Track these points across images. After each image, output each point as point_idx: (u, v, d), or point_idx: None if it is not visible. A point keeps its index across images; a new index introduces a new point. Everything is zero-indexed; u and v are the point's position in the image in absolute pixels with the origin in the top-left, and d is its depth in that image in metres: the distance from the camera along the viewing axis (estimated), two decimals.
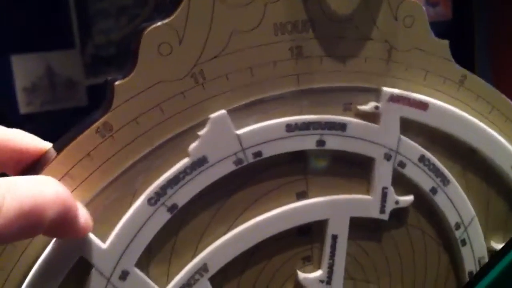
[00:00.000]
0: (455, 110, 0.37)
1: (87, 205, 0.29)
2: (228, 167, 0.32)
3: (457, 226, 0.38)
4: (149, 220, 0.31)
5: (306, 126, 0.34)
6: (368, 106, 0.35)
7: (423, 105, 0.36)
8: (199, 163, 0.31)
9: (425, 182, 0.37)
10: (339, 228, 0.35)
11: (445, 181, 0.37)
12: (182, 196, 0.31)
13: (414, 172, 0.37)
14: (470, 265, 0.39)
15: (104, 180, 0.30)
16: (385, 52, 0.35)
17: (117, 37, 1.79)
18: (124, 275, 0.30)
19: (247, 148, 0.32)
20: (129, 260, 0.30)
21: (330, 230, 0.35)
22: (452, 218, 0.38)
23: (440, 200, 0.37)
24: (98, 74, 1.75)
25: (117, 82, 0.30)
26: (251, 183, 0.34)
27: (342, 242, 0.35)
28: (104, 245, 0.30)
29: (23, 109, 1.60)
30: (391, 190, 0.36)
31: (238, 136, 0.32)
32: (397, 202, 0.36)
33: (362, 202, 0.36)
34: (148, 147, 0.31)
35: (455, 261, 0.39)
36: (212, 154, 0.31)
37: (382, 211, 0.36)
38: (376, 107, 0.35)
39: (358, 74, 0.35)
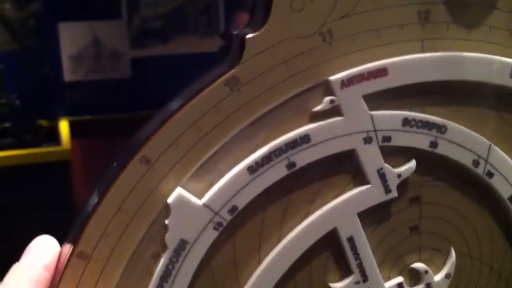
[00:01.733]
0: (418, 56, 0.33)
1: (210, 157, 0.30)
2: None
3: (476, 163, 0.35)
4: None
5: (268, 159, 0.31)
6: (323, 105, 0.32)
7: (382, 72, 0.32)
8: None
9: (421, 141, 0.34)
10: (350, 229, 0.33)
11: (442, 129, 0.34)
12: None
13: (404, 139, 0.33)
14: (507, 191, 0.36)
15: (226, 134, 0.30)
16: (510, 23, 0.33)
17: (164, 11, 1.77)
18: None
19: None
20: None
21: (344, 235, 0.33)
22: (466, 159, 0.35)
23: (444, 149, 0.34)
24: (143, 46, 1.75)
25: (248, 36, 0.30)
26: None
27: (360, 239, 0.34)
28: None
29: (67, 76, 1.64)
30: (387, 168, 0.33)
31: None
32: (399, 175, 0.34)
33: (363, 193, 0.33)
34: (272, 102, 0.31)
35: (490, 196, 0.36)
36: None
37: (387, 191, 0.34)
38: (331, 101, 0.32)
39: (481, 44, 0.33)
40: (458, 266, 0.36)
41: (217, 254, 0.32)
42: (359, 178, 0.33)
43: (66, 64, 1.68)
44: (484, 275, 0.38)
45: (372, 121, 0.32)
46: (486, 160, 0.35)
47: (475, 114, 0.35)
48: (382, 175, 0.33)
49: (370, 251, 0.34)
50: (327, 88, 0.32)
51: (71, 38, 1.67)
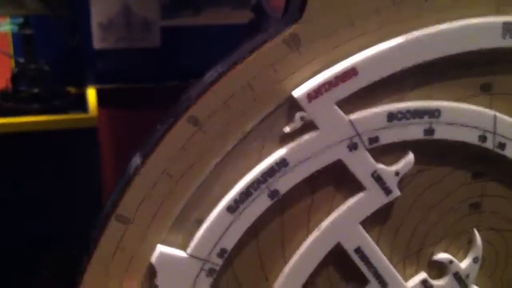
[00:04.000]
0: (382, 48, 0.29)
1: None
2: None
3: (483, 139, 0.31)
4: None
5: (247, 194, 0.29)
6: (295, 123, 0.29)
7: (350, 73, 0.29)
8: None
9: (413, 132, 0.30)
10: (355, 240, 0.31)
11: (435, 113, 0.30)
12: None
13: (393, 135, 0.30)
14: None
15: (281, 95, 0.29)
16: None
17: None
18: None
19: None
20: None
21: (350, 248, 0.31)
22: (471, 137, 0.31)
23: (442, 133, 0.31)
24: (173, 16, 1.72)
25: None
26: None
27: (368, 247, 0.31)
28: None
29: (97, 44, 1.64)
30: (382, 169, 0.30)
31: None
32: (397, 173, 0.31)
33: (362, 201, 0.31)
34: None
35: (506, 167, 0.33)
36: None
37: (388, 192, 0.31)
38: (302, 118, 0.29)
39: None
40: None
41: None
42: (354, 186, 0.31)
43: (96, 31, 1.67)
44: None
45: (353, 126, 0.29)
46: (494, 133, 0.31)
47: (464, 85, 0.31)
48: (377, 178, 0.30)
49: (382, 256, 0.32)
50: (294, 105, 0.29)
51: (102, 5, 1.66)
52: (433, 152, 0.32)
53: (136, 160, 0.28)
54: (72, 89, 1.60)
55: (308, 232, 0.31)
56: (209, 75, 0.28)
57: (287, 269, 0.31)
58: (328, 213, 0.31)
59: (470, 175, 0.32)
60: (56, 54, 1.63)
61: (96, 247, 0.28)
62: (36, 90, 1.50)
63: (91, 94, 1.55)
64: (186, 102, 0.28)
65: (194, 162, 0.28)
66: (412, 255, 0.33)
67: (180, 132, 0.28)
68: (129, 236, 0.28)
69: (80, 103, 1.53)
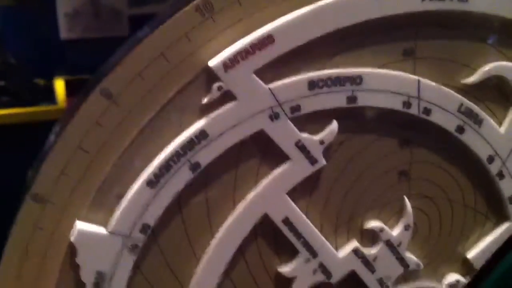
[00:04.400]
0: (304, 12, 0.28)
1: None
2: None
3: (407, 105, 0.31)
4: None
5: (167, 167, 0.29)
6: (212, 94, 0.28)
7: (267, 40, 0.28)
8: None
9: (336, 100, 0.30)
10: (282, 211, 0.31)
11: (356, 80, 0.30)
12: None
13: (315, 103, 0.30)
14: (451, 123, 0.32)
15: (197, 65, 0.28)
16: None
17: None
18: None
19: None
20: None
21: (277, 219, 0.31)
22: (394, 103, 0.31)
23: (365, 100, 0.31)
24: (141, 4, 1.69)
25: None
26: None
27: (296, 218, 0.31)
28: None
29: (63, 34, 1.61)
30: (305, 138, 0.30)
31: None
32: (322, 142, 0.30)
33: (287, 171, 0.30)
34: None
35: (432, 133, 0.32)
36: None
37: (313, 161, 0.31)
38: (219, 88, 0.28)
39: None
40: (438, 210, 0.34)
41: (147, 274, 0.30)
42: (278, 156, 0.30)
43: (62, 21, 1.64)
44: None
45: (273, 95, 0.29)
46: (418, 98, 0.31)
47: (387, 50, 0.31)
48: (302, 147, 0.30)
49: (311, 225, 0.31)
50: (211, 75, 0.28)
51: None
52: (358, 120, 0.31)
53: (51, 137, 0.28)
54: (40, 81, 1.57)
55: (234, 205, 0.31)
56: (122, 48, 0.28)
57: (214, 242, 0.30)
58: (254, 184, 0.30)
59: (396, 142, 0.32)
60: (23, 46, 1.60)
61: (13, 228, 0.28)
62: (2, 83, 1.47)
63: (60, 86, 1.52)
64: (99, 74, 0.27)
65: (109, 136, 0.27)
66: (343, 225, 0.33)
67: (93, 105, 0.27)
68: (47, 215, 0.28)
69: (49, 95, 1.51)
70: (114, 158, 0.28)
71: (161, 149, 0.29)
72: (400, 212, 0.33)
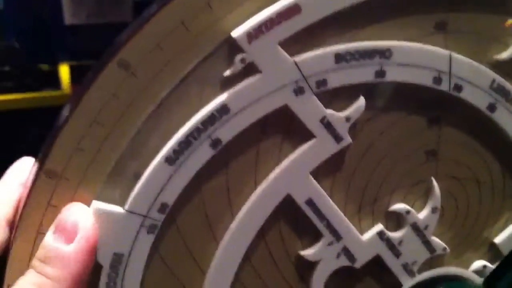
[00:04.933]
0: None
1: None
2: None
3: (438, 80, 0.30)
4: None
5: (187, 144, 0.27)
6: (235, 67, 0.27)
7: (293, 10, 0.27)
8: None
9: (363, 74, 0.29)
10: (307, 191, 0.29)
11: (385, 53, 0.29)
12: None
13: (342, 77, 0.28)
14: (483, 101, 0.31)
15: (219, 35, 0.27)
16: None
17: None
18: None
19: None
20: None
21: (301, 200, 0.29)
22: (425, 80, 0.30)
23: (394, 75, 0.29)
24: None
25: None
26: None
27: (320, 199, 0.30)
28: None
29: (68, 20, 1.60)
30: (331, 114, 0.29)
31: None
32: (348, 118, 0.29)
33: (311, 149, 0.29)
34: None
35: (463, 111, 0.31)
36: None
37: (338, 139, 0.29)
38: (242, 60, 0.27)
39: None
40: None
41: (165, 256, 0.29)
42: (302, 133, 0.29)
43: (66, 7, 1.63)
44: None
45: (298, 68, 0.27)
46: (449, 74, 0.30)
47: (418, 23, 0.29)
48: (327, 124, 0.29)
49: (335, 207, 0.30)
50: (234, 46, 0.27)
51: None
52: (385, 96, 0.30)
53: (65, 111, 0.26)
54: (44, 66, 1.56)
55: (256, 185, 0.29)
56: (141, 17, 0.26)
57: (234, 224, 0.29)
58: (276, 163, 0.29)
59: (425, 121, 0.31)
60: (27, 31, 1.58)
61: (25, 205, 0.26)
62: (7, 68, 1.46)
63: (64, 71, 1.51)
64: (116, 45, 0.26)
65: (126, 110, 0.26)
66: (367, 207, 0.31)
67: (109, 77, 0.26)
68: (60, 192, 0.26)
69: (53, 80, 1.49)
70: (131, 132, 0.27)
71: (179, 125, 0.27)
72: (426, 194, 0.32)
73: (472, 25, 0.30)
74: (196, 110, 0.27)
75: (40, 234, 0.26)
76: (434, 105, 0.30)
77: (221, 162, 0.28)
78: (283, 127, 0.29)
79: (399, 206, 0.31)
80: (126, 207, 0.27)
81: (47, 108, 1.36)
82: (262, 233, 0.30)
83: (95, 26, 1.63)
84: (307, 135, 0.29)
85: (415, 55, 0.29)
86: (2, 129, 1.38)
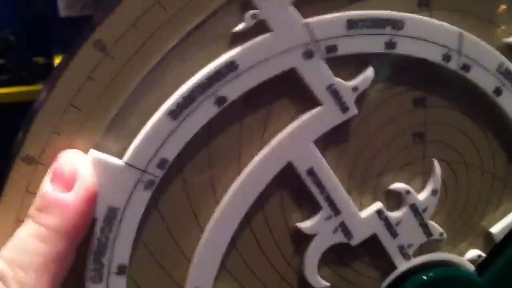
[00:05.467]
0: None
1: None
2: None
3: (447, 58, 0.29)
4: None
5: (191, 98, 0.27)
6: (245, 22, 0.26)
7: None
8: None
9: (374, 43, 0.28)
10: (308, 160, 0.29)
11: (397, 24, 0.28)
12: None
13: (352, 45, 0.28)
14: (490, 83, 0.31)
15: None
16: None
17: None
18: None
19: None
20: None
21: (302, 168, 0.29)
22: (434, 55, 0.29)
23: (404, 48, 0.29)
24: None
25: None
26: None
27: (322, 169, 0.29)
28: None
29: (63, 12, 1.59)
30: (338, 83, 0.28)
31: None
32: (355, 88, 0.29)
33: (316, 117, 0.28)
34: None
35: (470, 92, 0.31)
36: None
37: (344, 109, 0.29)
38: (254, 16, 0.26)
39: None
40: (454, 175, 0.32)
41: (169, 202, 0.28)
42: (308, 100, 0.28)
43: None
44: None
45: (310, 30, 0.27)
46: (459, 52, 0.29)
47: None
48: (334, 92, 0.28)
49: (336, 180, 0.29)
50: (245, 3, 0.26)
51: None
52: (387, 70, 0.29)
53: (42, 94, 0.25)
54: (39, 59, 1.54)
55: (257, 150, 0.29)
56: None
57: (234, 186, 0.28)
58: (280, 129, 0.28)
59: (411, 102, 0.30)
60: (22, 24, 1.57)
61: (2, 191, 0.25)
62: (2, 61, 1.45)
63: None
64: (92, 26, 0.25)
65: (104, 92, 0.25)
66: (368, 185, 0.31)
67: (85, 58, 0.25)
68: (38, 177, 0.25)
69: (49, 74, 1.48)
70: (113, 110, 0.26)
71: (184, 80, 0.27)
72: (415, 176, 0.31)
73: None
74: (202, 67, 0.27)
75: (17, 222, 0.26)
76: (423, 83, 0.30)
77: (223, 122, 0.28)
78: (288, 92, 0.28)
79: (399, 185, 0.31)
80: (125, 159, 0.26)
81: None
82: (261, 201, 0.29)
83: (90, 18, 1.61)
84: (312, 104, 0.28)
85: (426, 29, 0.28)
86: None
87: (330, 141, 0.29)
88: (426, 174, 0.32)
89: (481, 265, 0.33)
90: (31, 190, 0.26)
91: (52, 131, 0.25)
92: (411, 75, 0.30)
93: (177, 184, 0.27)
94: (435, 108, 0.31)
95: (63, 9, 1.58)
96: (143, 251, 0.27)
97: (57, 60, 1.44)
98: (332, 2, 0.28)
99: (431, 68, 0.30)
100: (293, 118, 0.29)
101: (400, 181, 0.31)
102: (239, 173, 0.28)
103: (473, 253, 0.33)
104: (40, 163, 0.25)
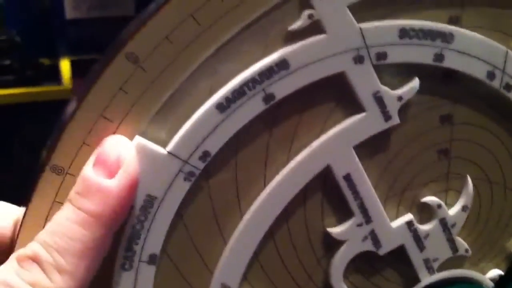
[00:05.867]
0: None
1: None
2: None
3: (491, 76, 0.30)
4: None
5: (240, 93, 0.26)
6: (301, 21, 0.26)
7: None
8: None
9: (423, 54, 0.28)
10: (346, 165, 0.29)
11: (447, 37, 0.29)
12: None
13: (402, 54, 0.28)
14: None
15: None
16: None
17: None
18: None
19: None
20: None
21: (339, 173, 0.29)
22: (479, 72, 0.29)
23: (452, 61, 0.29)
24: None
25: None
26: None
27: (358, 176, 0.29)
28: None
29: (69, 13, 1.58)
30: (384, 90, 0.28)
31: None
32: (400, 98, 0.29)
33: (359, 122, 0.28)
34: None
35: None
36: None
37: (387, 117, 0.29)
38: (310, 16, 0.26)
39: None
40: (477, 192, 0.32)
41: (193, 208, 0.27)
42: (353, 105, 0.28)
43: (67, 0, 1.61)
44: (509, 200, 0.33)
45: (362, 35, 0.27)
46: (503, 71, 0.30)
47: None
48: (379, 100, 0.28)
49: (371, 188, 0.29)
50: (303, 1, 0.26)
51: None
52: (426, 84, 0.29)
53: (72, 105, 0.25)
54: (45, 60, 1.54)
55: (290, 154, 0.28)
56: (147, 9, 0.25)
57: (273, 183, 0.28)
58: (320, 132, 0.28)
59: (438, 118, 0.30)
60: (28, 25, 1.57)
61: (30, 201, 0.25)
62: (7, 62, 1.45)
63: (65, 65, 1.49)
64: (123, 37, 0.25)
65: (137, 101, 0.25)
66: (396, 195, 0.31)
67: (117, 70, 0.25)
68: (67, 187, 0.25)
69: (54, 75, 1.47)
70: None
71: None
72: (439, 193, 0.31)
73: None
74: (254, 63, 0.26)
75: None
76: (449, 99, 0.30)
77: (266, 121, 0.27)
78: (334, 96, 0.28)
79: (431, 198, 0.31)
80: (168, 148, 0.26)
81: (47, 103, 1.34)
82: (294, 206, 0.29)
83: (96, 20, 1.61)
84: (356, 110, 0.28)
85: (475, 44, 0.29)
86: (2, 123, 1.35)
87: (366, 149, 0.29)
88: (449, 191, 0.32)
89: (499, 282, 0.33)
90: (59, 200, 0.25)
91: (82, 142, 0.25)
92: (445, 90, 0.30)
93: (205, 188, 0.27)
94: (462, 125, 0.31)
95: (69, 11, 1.58)
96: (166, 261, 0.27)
97: (62, 62, 1.43)
98: (384, 10, 0.28)
99: (469, 85, 0.30)
100: (332, 122, 0.28)
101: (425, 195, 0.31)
102: (267, 179, 0.28)
103: (494, 272, 0.33)
104: (69, 174, 0.25)
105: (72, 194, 0.24)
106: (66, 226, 0.24)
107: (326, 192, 0.29)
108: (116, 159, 0.24)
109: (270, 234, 0.28)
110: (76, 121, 0.25)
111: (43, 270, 0.23)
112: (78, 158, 0.25)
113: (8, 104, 1.36)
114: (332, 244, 0.30)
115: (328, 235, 0.29)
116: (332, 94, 0.28)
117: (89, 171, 0.24)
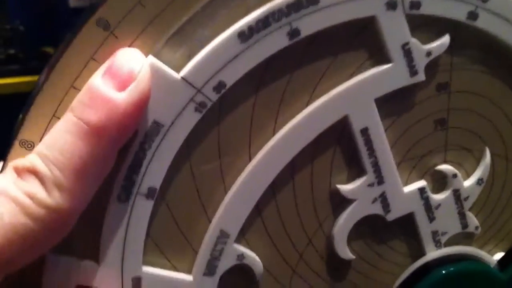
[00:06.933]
0: None
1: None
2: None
3: None
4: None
5: (265, 24, 0.25)
6: None
7: None
8: None
9: (458, 10, 0.27)
10: (365, 118, 0.27)
11: None
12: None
13: (436, 7, 0.27)
14: None
15: None
16: None
17: None
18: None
19: None
20: None
21: (357, 126, 0.27)
22: (508, 36, 0.28)
23: (485, 22, 0.28)
24: None
25: None
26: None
27: (376, 132, 0.27)
28: None
29: (72, 2, 1.57)
30: (414, 43, 0.27)
31: None
32: (429, 53, 0.27)
33: (384, 73, 0.27)
34: None
35: None
36: None
37: (413, 73, 0.27)
38: None
39: None
40: (492, 169, 0.30)
41: (199, 142, 0.26)
42: (379, 55, 0.27)
43: None
44: None
45: None
46: None
47: None
48: (407, 52, 0.27)
49: (388, 147, 0.28)
50: None
51: None
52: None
53: (41, 77, 0.23)
54: (49, 50, 1.53)
55: (310, 98, 0.27)
56: None
57: (291, 124, 0.26)
58: (342, 80, 0.27)
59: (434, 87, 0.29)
60: (31, 14, 1.56)
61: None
62: (12, 51, 1.44)
63: None
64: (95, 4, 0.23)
65: None
66: (411, 160, 0.29)
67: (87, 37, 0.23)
68: None
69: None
70: None
71: None
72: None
73: None
74: None
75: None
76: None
77: (289, 59, 0.26)
78: (360, 43, 0.27)
79: (447, 167, 0.30)
80: (182, 73, 0.24)
81: None
82: (308, 154, 0.27)
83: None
84: (381, 61, 0.27)
85: (510, 7, 0.27)
86: (7, 112, 1.33)
87: (392, 106, 0.28)
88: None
89: (502, 261, 0.32)
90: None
91: (52, 115, 0.23)
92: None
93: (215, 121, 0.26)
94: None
95: (72, 0, 1.57)
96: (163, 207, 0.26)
97: None
98: None
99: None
100: (355, 71, 0.27)
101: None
102: (278, 124, 0.27)
103: (501, 254, 0.32)
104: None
105: (74, 101, 0.22)
106: (65, 139, 0.22)
107: (339, 147, 0.28)
108: (129, 72, 0.23)
109: (273, 188, 0.27)
110: (45, 93, 0.23)
111: (42, 184, 0.21)
112: (48, 132, 0.23)
113: (12, 93, 1.35)
114: (336, 206, 0.28)
115: (333, 196, 0.28)
116: (359, 41, 0.27)
117: (97, 80, 0.22)
